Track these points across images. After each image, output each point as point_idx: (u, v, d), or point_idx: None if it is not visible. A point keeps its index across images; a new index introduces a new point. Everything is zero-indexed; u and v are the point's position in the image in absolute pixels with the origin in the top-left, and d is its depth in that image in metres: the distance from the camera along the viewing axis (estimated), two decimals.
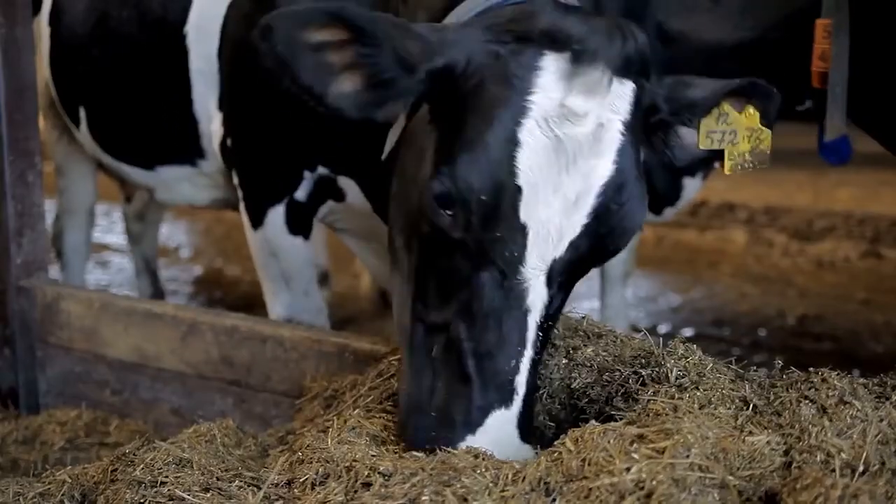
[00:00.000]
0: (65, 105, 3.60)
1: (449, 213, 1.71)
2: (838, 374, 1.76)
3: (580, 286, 2.11)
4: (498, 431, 1.70)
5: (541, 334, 1.74)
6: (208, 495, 1.72)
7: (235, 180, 2.95)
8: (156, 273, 4.92)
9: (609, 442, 1.53)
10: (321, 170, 2.76)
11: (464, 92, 1.75)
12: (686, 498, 1.41)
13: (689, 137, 1.93)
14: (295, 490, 1.71)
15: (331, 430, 1.81)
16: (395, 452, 1.74)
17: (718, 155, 1.96)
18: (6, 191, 2.89)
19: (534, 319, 1.72)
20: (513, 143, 1.67)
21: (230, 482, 1.76)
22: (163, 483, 1.74)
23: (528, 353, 1.72)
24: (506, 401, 1.71)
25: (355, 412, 1.90)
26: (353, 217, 2.92)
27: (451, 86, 1.76)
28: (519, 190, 1.67)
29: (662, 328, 5.15)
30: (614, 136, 1.71)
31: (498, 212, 1.68)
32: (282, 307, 2.96)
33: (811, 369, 1.80)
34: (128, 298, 3.12)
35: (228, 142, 2.91)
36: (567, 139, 1.68)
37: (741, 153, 1.94)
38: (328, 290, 5.13)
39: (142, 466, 1.79)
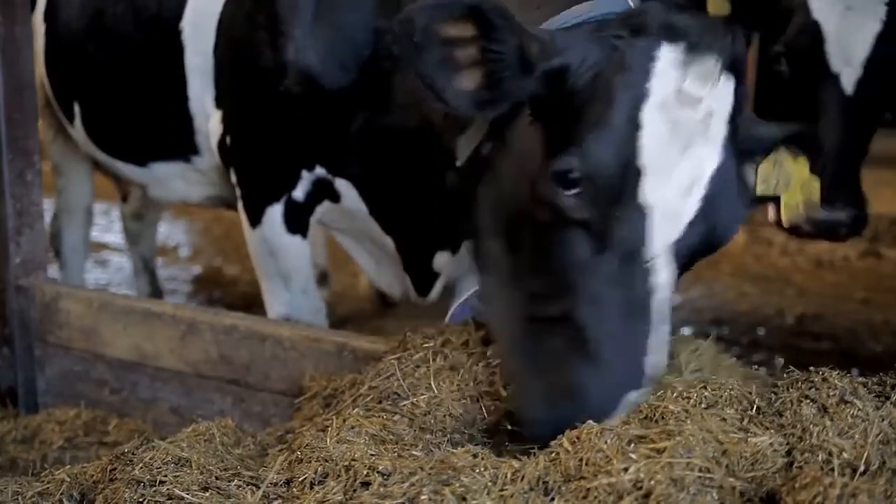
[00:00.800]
0: (59, 102, 3.60)
1: (572, 193, 1.75)
2: (839, 374, 1.76)
3: None
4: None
5: (663, 315, 1.76)
6: (207, 494, 1.71)
7: (234, 178, 2.95)
8: (154, 272, 4.92)
9: (606, 442, 1.53)
10: (319, 170, 2.76)
11: (579, 85, 1.81)
12: (685, 498, 1.41)
13: (749, 178, 1.96)
14: (294, 489, 1.71)
15: (330, 429, 1.81)
16: (395, 452, 1.74)
17: (769, 201, 2.00)
18: (5, 190, 2.89)
19: (658, 299, 1.75)
20: (635, 125, 1.73)
21: (229, 481, 1.76)
22: (162, 482, 1.74)
23: (660, 332, 1.75)
24: (636, 383, 1.73)
25: (354, 411, 1.90)
26: (348, 219, 2.93)
27: (563, 83, 1.82)
28: (640, 171, 1.73)
29: None
30: (721, 126, 1.78)
31: (622, 191, 1.73)
32: (280, 306, 2.96)
33: (811, 368, 1.80)
34: (127, 298, 3.12)
35: (227, 140, 2.91)
36: (683, 124, 1.74)
37: (796, 203, 1.97)
38: (328, 289, 5.13)
39: (141, 466, 1.79)
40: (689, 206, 1.75)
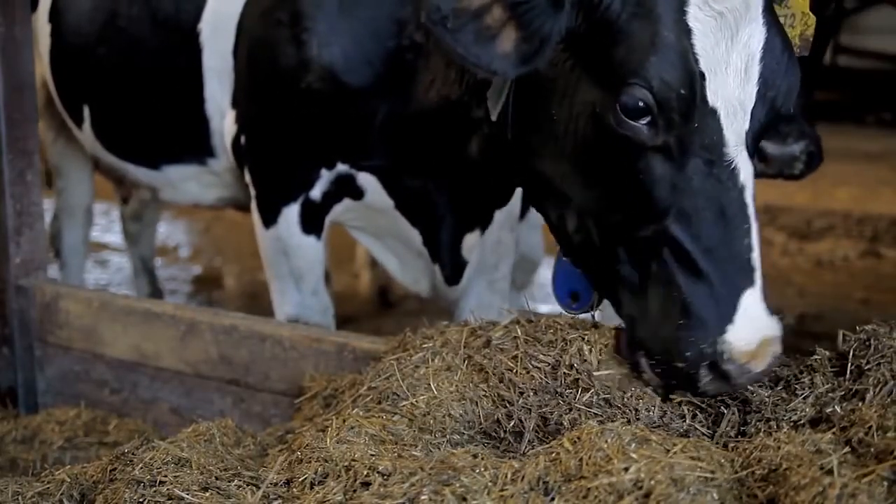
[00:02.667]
0: (66, 104, 3.57)
1: (644, 121, 1.79)
2: None
3: None
4: (751, 311, 1.75)
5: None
6: (207, 494, 1.71)
7: (247, 178, 2.92)
8: (154, 273, 4.92)
9: (606, 441, 1.53)
10: (340, 167, 2.73)
11: (613, 10, 1.84)
12: (684, 497, 1.41)
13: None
14: (294, 489, 1.71)
15: (330, 429, 1.81)
16: (394, 452, 1.74)
17: None
18: (5, 190, 2.89)
19: (749, 195, 1.79)
20: (685, 32, 1.77)
21: (229, 481, 1.76)
22: (162, 482, 1.74)
23: (755, 228, 1.78)
24: (751, 280, 1.77)
25: (354, 411, 1.90)
26: (371, 215, 2.89)
27: (595, 12, 1.85)
28: (703, 76, 1.76)
29: None
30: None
31: (692, 102, 1.77)
32: (290, 306, 2.93)
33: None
34: (127, 298, 3.12)
35: (242, 139, 2.88)
36: (727, 12, 1.77)
37: (793, 36, 1.98)
38: (329, 288, 5.13)
39: (141, 466, 1.79)
40: (750, 92, 1.79)
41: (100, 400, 2.85)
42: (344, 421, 1.83)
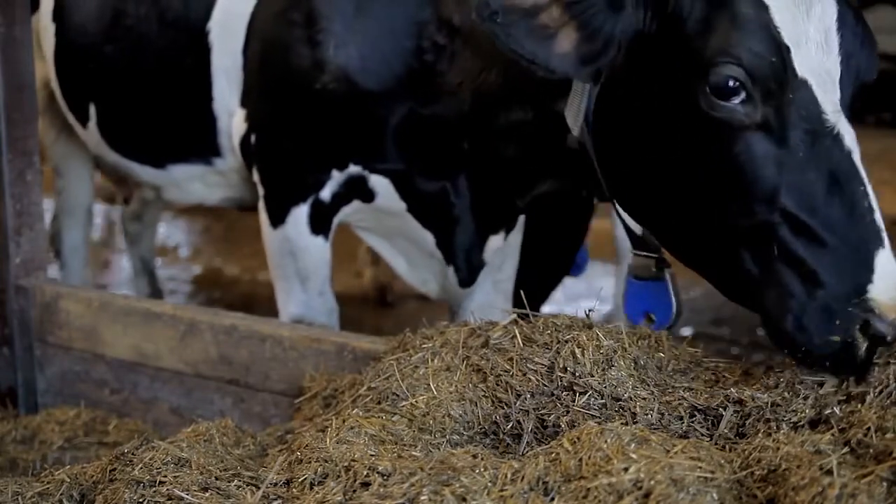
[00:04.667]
0: (71, 103, 3.54)
1: (738, 100, 1.80)
2: None
3: (581, 285, 2.11)
4: (888, 268, 1.73)
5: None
6: (207, 495, 1.72)
7: (255, 177, 2.90)
8: (154, 273, 4.92)
9: (606, 442, 1.53)
10: (352, 168, 2.71)
11: (685, 4, 1.85)
12: (684, 498, 1.41)
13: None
14: (294, 489, 1.71)
15: (329, 429, 1.82)
16: (394, 452, 1.74)
17: None
18: (5, 190, 2.89)
19: (857, 157, 1.79)
20: (763, 8, 1.79)
21: (229, 482, 1.76)
22: (161, 482, 1.74)
23: (871, 190, 1.78)
24: (880, 240, 1.75)
25: (354, 411, 1.90)
26: (381, 217, 2.87)
27: (665, 8, 1.87)
28: (787, 49, 1.78)
29: None
30: None
31: (783, 73, 1.78)
32: (295, 307, 2.91)
33: None
34: (127, 298, 3.12)
35: (252, 138, 2.85)
36: None
37: None
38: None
39: (140, 466, 1.79)
40: (834, 63, 1.80)
41: (100, 400, 2.85)
42: (344, 421, 1.83)
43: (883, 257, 1.74)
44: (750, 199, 1.82)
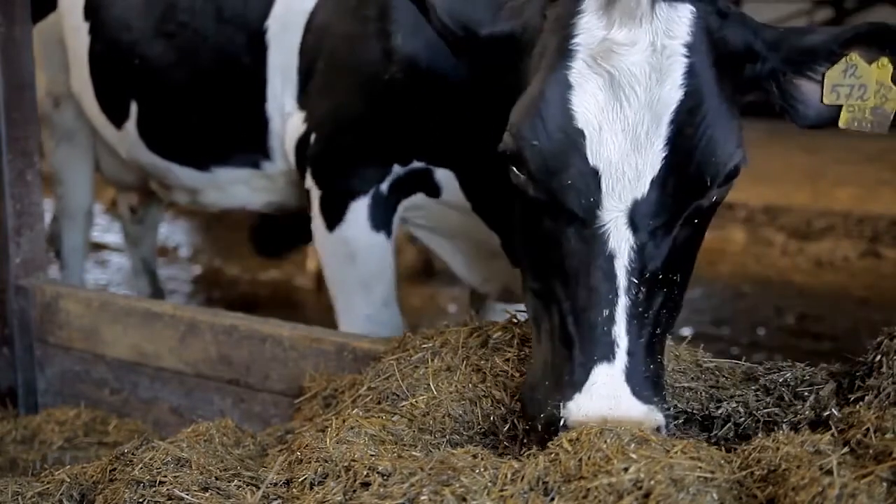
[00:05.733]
0: (106, 102, 3.45)
1: (522, 172, 1.72)
2: None
3: None
4: (604, 388, 1.63)
5: (642, 284, 1.66)
6: (207, 495, 1.72)
7: (309, 181, 2.81)
8: (155, 273, 4.92)
9: (606, 442, 1.53)
10: (416, 163, 2.66)
11: (523, 53, 1.81)
12: (684, 498, 1.41)
13: (813, 93, 1.81)
14: (294, 489, 1.71)
15: (329, 429, 1.82)
16: (394, 452, 1.74)
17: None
18: (5, 190, 2.89)
19: (622, 265, 1.66)
20: (565, 87, 1.67)
21: (229, 481, 1.76)
22: (161, 482, 1.74)
23: (623, 302, 1.65)
24: (606, 354, 1.64)
25: (354, 412, 1.90)
26: (445, 215, 2.80)
27: (513, 53, 1.84)
28: (581, 133, 1.66)
29: None
30: (676, 60, 1.66)
31: (564, 159, 1.67)
32: (360, 324, 2.79)
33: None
34: (127, 298, 3.12)
35: (312, 138, 2.78)
36: (620, 73, 1.65)
37: (863, 108, 1.77)
38: None
39: (140, 466, 1.79)
40: (652, 158, 1.64)
41: (100, 400, 2.85)
42: (344, 421, 1.83)
43: (602, 372, 1.64)
44: (531, 260, 1.80)
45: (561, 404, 1.64)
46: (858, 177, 8.49)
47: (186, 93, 3.14)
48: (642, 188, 1.66)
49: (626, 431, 1.55)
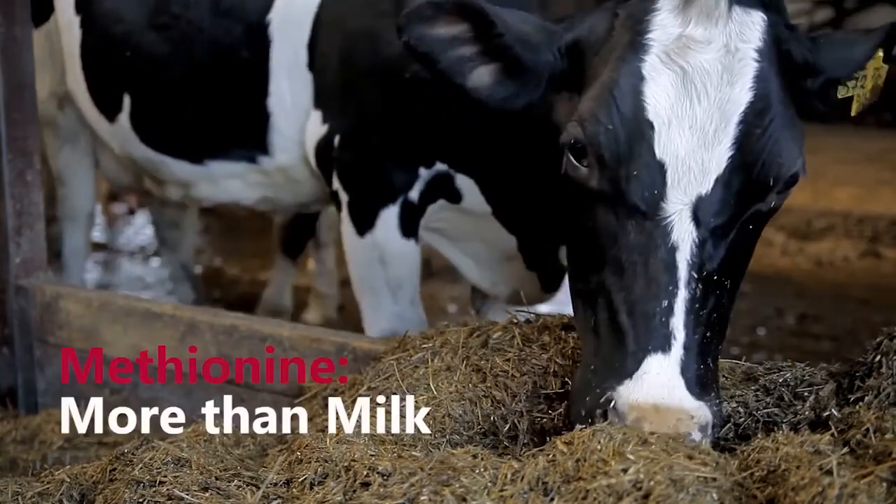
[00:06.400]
0: (98, 95, 3.41)
1: (584, 163, 1.73)
2: None
3: None
4: (656, 378, 1.61)
5: (700, 281, 1.66)
6: (207, 495, 1.72)
7: (336, 184, 2.79)
8: (195, 278, 4.87)
9: (599, 443, 1.52)
10: (439, 166, 2.64)
11: (590, 54, 1.81)
12: (684, 498, 1.41)
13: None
14: (294, 489, 1.71)
15: (329, 429, 1.81)
16: (394, 452, 1.74)
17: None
18: (5, 190, 2.89)
19: (683, 258, 1.66)
20: (637, 78, 1.68)
21: (229, 481, 1.77)
22: (161, 482, 1.74)
23: (684, 294, 1.65)
24: (662, 345, 1.63)
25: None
26: (462, 219, 2.80)
27: (581, 57, 1.83)
28: (650, 125, 1.67)
29: None
30: (747, 63, 1.69)
31: (631, 149, 1.68)
32: (387, 321, 2.79)
33: None
34: (127, 298, 3.12)
35: (336, 140, 2.75)
36: (693, 69, 1.67)
37: (864, 93, 1.89)
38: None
39: (140, 466, 1.79)
40: (718, 156, 1.66)
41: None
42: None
43: (655, 362, 1.63)
44: (588, 261, 1.78)
45: (611, 388, 1.63)
46: (858, 177, 8.49)
47: (181, 85, 3.10)
48: (707, 185, 1.67)
49: (619, 431, 1.54)
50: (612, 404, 1.61)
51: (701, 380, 1.65)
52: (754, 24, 1.72)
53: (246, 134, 3.01)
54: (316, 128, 2.80)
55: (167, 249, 4.81)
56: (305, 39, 2.78)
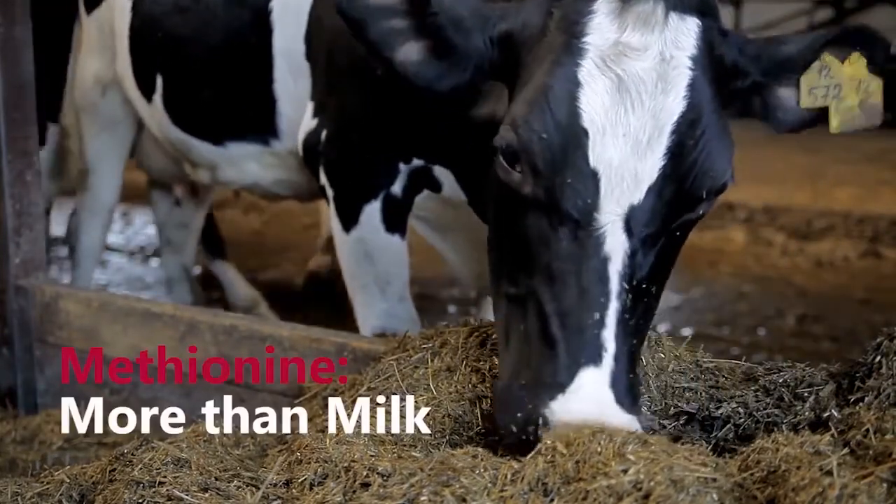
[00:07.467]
0: (139, 74, 3.50)
1: (517, 168, 1.70)
2: None
3: None
4: (588, 391, 1.61)
5: (630, 291, 1.65)
6: (207, 495, 1.72)
7: (323, 179, 2.81)
8: (194, 280, 4.85)
9: (599, 444, 1.52)
10: (416, 161, 2.66)
11: (523, 50, 1.77)
12: (684, 498, 1.41)
13: (790, 99, 1.85)
14: (293, 490, 1.71)
15: (329, 429, 1.81)
16: (394, 452, 1.74)
17: (826, 113, 1.84)
18: (4, 190, 2.89)
19: (615, 269, 1.65)
20: (573, 84, 1.66)
21: (229, 482, 1.77)
22: (161, 483, 1.74)
23: (615, 306, 1.64)
24: (594, 358, 1.62)
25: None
26: (445, 209, 2.81)
27: (513, 50, 1.79)
28: (585, 132, 1.64)
29: (662, 328, 5.15)
30: (682, 71, 1.68)
31: (565, 157, 1.65)
32: (377, 318, 2.80)
33: None
34: (127, 298, 3.12)
35: (323, 134, 2.77)
36: (629, 77, 1.65)
37: (849, 108, 1.81)
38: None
39: (140, 466, 1.79)
40: (651, 165, 1.64)
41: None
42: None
43: (589, 376, 1.62)
44: (512, 259, 1.77)
45: (543, 404, 1.61)
46: (858, 177, 8.49)
47: (202, 68, 3.20)
48: (639, 194, 1.66)
49: (618, 432, 1.54)
50: (544, 421, 1.61)
51: (630, 391, 1.66)
52: (689, 30, 1.70)
53: (257, 117, 3.08)
54: (308, 120, 2.84)
55: (171, 250, 4.76)
56: (302, 31, 2.84)
